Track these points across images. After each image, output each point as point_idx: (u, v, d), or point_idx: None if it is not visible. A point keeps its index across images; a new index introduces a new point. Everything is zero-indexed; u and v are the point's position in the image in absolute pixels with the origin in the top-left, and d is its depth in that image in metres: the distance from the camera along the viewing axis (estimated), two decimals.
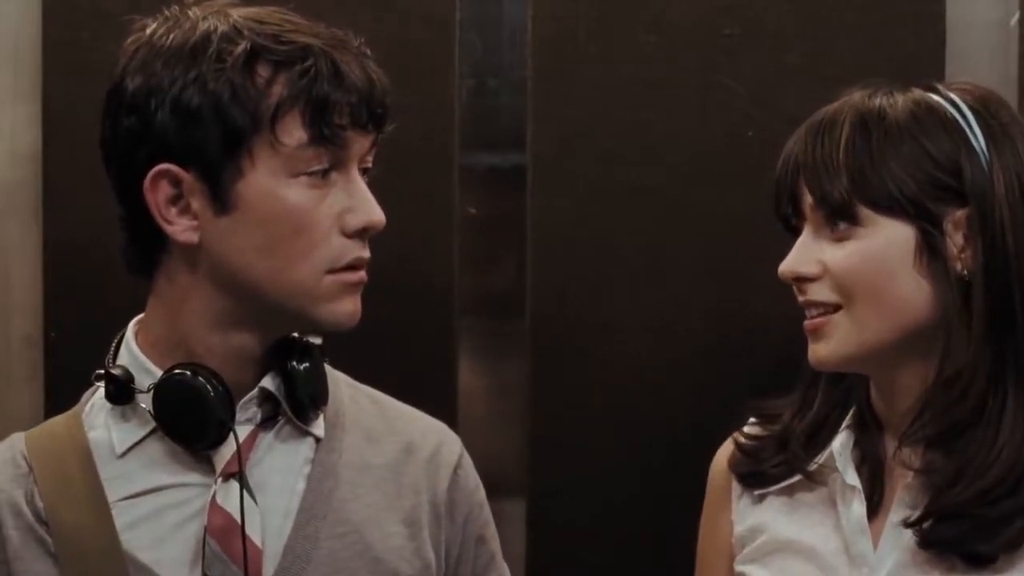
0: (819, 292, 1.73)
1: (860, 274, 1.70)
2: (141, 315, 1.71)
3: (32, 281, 2.29)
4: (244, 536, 1.62)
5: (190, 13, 1.64)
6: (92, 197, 2.09)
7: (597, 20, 2.23)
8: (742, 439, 1.87)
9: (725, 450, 1.90)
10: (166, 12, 1.66)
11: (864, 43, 2.20)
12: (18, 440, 1.69)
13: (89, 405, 1.70)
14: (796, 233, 1.77)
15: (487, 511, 1.82)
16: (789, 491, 1.82)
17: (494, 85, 2.30)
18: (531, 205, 2.25)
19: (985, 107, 1.73)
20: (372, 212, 1.65)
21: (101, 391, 1.69)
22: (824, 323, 1.72)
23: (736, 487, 1.87)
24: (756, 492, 1.84)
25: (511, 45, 2.29)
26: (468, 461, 1.82)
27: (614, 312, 2.24)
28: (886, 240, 1.70)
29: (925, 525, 1.70)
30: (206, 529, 1.63)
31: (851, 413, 1.81)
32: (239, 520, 1.63)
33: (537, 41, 2.24)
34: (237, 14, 1.64)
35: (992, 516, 1.67)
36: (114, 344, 1.70)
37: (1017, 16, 2.21)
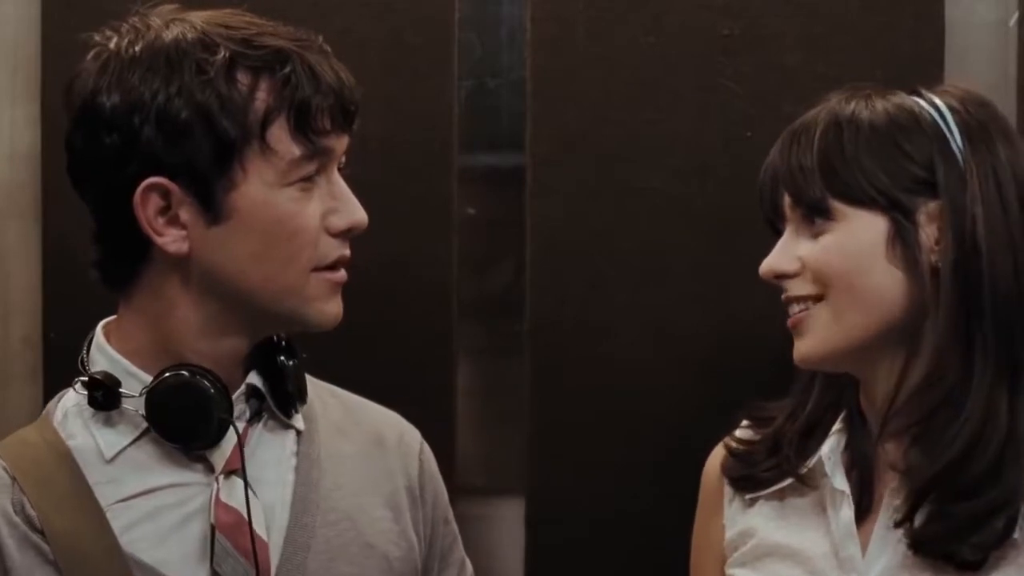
0: (799, 287, 1.75)
1: (835, 265, 1.72)
2: (107, 320, 1.71)
3: (31, 282, 2.28)
4: (252, 531, 1.63)
5: (150, 22, 1.64)
6: None
7: (597, 20, 2.23)
8: (734, 443, 1.88)
9: (717, 454, 1.91)
10: (124, 23, 1.65)
11: (863, 43, 2.20)
12: None
13: (61, 412, 1.70)
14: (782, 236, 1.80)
15: (446, 493, 1.86)
16: (780, 495, 1.83)
17: (493, 86, 2.30)
18: (530, 206, 2.25)
19: (965, 107, 1.75)
20: (355, 212, 1.67)
21: (72, 398, 1.70)
22: (804, 317, 1.75)
23: (728, 491, 1.88)
24: (747, 496, 1.85)
25: (510, 46, 2.29)
26: (427, 446, 1.85)
27: (613, 313, 2.24)
28: (859, 231, 1.72)
29: (913, 525, 1.70)
30: (214, 526, 1.63)
31: (842, 416, 1.81)
32: (246, 515, 1.64)
33: (536, 42, 2.24)
34: (199, 20, 1.64)
35: (974, 512, 1.68)
36: (84, 350, 1.70)
37: (1016, 16, 2.21)
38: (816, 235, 1.74)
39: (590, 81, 2.23)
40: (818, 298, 1.74)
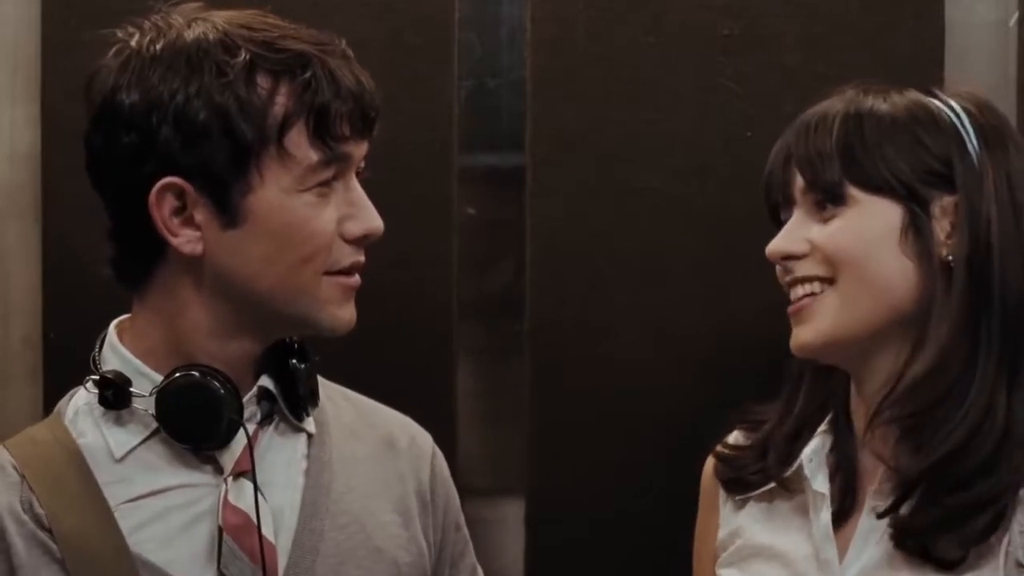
0: (807, 267, 1.75)
1: (847, 248, 1.73)
2: (121, 318, 1.71)
3: (31, 282, 2.28)
4: (260, 534, 1.63)
5: (172, 21, 1.64)
6: (92, 197, 2.08)
7: (597, 20, 2.23)
8: (724, 448, 1.89)
9: (714, 456, 1.91)
10: (146, 21, 1.65)
11: (863, 43, 2.20)
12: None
13: (72, 411, 1.70)
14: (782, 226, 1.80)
15: (458, 499, 1.86)
16: (768, 497, 1.84)
17: (493, 86, 2.30)
18: (530, 206, 2.25)
19: (980, 111, 1.77)
20: (371, 219, 1.66)
21: (83, 396, 1.69)
22: (810, 303, 1.74)
23: (722, 492, 1.88)
24: (738, 497, 1.86)
25: (510, 46, 2.29)
26: (439, 450, 1.85)
27: (613, 313, 2.24)
28: (873, 217, 1.73)
29: (898, 515, 1.71)
30: (221, 528, 1.63)
31: (828, 418, 1.81)
32: (254, 518, 1.63)
33: (536, 42, 2.24)
34: (221, 20, 1.63)
35: (963, 504, 1.68)
36: (97, 349, 1.70)
37: (1016, 16, 2.21)
38: (826, 220, 1.74)
39: (590, 81, 2.23)
40: (826, 280, 1.74)
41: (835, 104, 1.78)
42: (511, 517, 2.28)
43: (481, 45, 2.29)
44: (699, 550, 1.94)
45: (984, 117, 1.76)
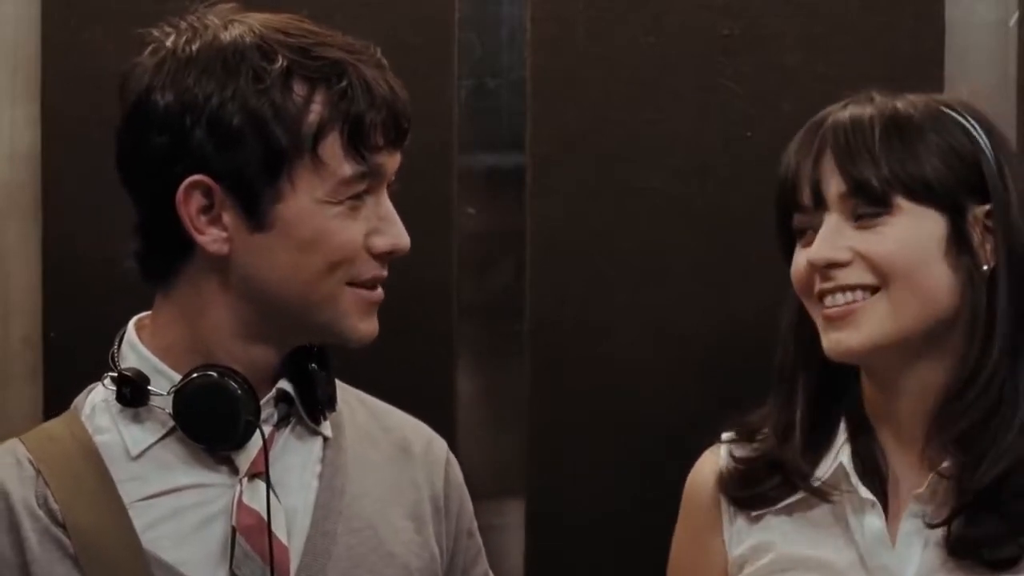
0: (852, 275, 1.73)
1: (897, 258, 1.71)
2: (140, 316, 1.71)
3: (31, 282, 2.28)
4: (271, 534, 1.63)
5: (208, 21, 1.63)
6: (92, 197, 2.09)
7: (597, 20, 2.23)
8: (732, 463, 1.84)
9: (708, 469, 1.87)
10: (182, 22, 1.64)
11: (863, 43, 2.20)
12: (16, 445, 1.68)
13: (89, 407, 1.69)
14: (790, 234, 1.78)
15: (471, 505, 1.85)
16: (788, 510, 1.80)
17: (493, 86, 2.30)
18: (530, 206, 2.25)
19: (983, 118, 1.77)
20: (399, 236, 1.66)
21: (100, 393, 1.69)
22: (857, 309, 1.72)
23: (727, 508, 1.84)
24: (753, 512, 1.82)
25: (510, 46, 2.29)
26: (453, 457, 1.84)
27: (613, 313, 2.24)
28: (920, 227, 1.72)
29: (953, 526, 1.70)
30: (235, 528, 1.63)
31: (843, 425, 1.80)
32: (267, 518, 1.63)
33: (536, 42, 2.24)
34: (258, 23, 1.62)
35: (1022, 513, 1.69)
36: (116, 345, 1.70)
37: (1016, 16, 2.22)
38: (866, 227, 1.72)
39: (590, 81, 2.23)
40: (870, 288, 1.72)
41: (864, 110, 1.75)
42: (512, 517, 2.28)
43: (481, 45, 2.29)
44: (692, 567, 1.89)
45: (989, 124, 1.76)
